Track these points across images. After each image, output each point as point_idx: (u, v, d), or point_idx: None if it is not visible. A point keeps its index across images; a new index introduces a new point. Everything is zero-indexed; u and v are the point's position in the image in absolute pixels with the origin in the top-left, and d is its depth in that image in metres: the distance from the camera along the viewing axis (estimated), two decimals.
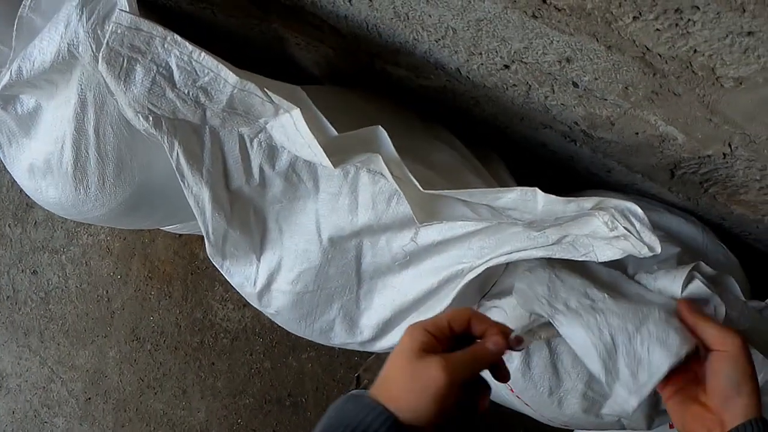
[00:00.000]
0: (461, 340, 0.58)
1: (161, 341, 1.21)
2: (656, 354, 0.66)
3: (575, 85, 0.71)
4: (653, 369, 0.66)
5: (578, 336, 0.69)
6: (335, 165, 0.71)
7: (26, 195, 1.17)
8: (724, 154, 0.73)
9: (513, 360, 0.85)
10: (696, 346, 0.69)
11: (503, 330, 0.59)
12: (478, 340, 0.58)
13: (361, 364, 1.21)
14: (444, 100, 0.85)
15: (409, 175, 0.71)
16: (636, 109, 0.71)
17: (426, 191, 0.70)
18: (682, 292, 0.76)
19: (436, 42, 0.74)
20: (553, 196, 0.68)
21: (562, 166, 0.92)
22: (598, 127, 0.77)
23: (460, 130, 0.89)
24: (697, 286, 0.76)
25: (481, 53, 0.73)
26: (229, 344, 1.21)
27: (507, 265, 0.86)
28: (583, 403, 0.88)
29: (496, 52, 0.71)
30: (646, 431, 0.90)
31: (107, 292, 1.20)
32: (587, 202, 0.68)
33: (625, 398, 0.66)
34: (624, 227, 0.67)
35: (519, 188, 0.69)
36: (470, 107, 0.84)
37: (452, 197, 0.72)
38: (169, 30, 0.72)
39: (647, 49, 0.60)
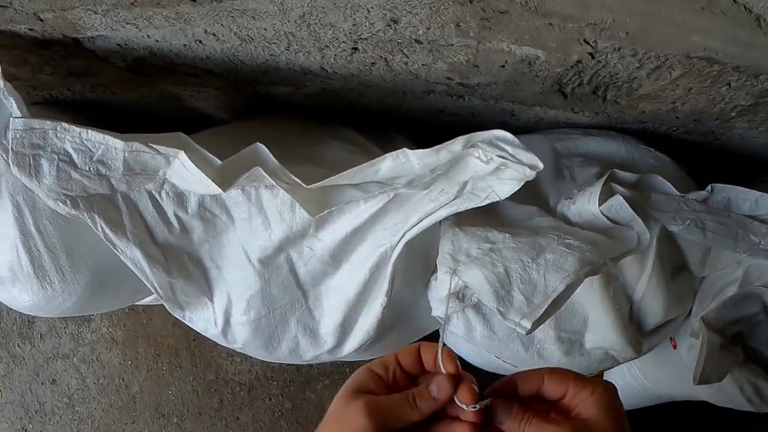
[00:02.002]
0: None
1: (184, 411, 1.26)
2: (552, 278, 0.65)
3: (418, 42, 0.73)
4: (549, 291, 0.65)
5: (476, 278, 0.68)
6: (224, 189, 0.74)
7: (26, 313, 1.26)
8: (590, 54, 0.72)
9: (476, 328, 0.84)
10: (600, 267, 0.67)
11: (458, 374, 0.49)
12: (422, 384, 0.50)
13: None
14: (331, 101, 0.87)
15: (292, 177, 0.74)
16: (483, 42, 0.71)
17: (310, 186, 0.73)
18: (600, 207, 0.74)
19: (288, 50, 0.78)
20: (422, 150, 0.69)
21: (469, 126, 0.93)
22: (468, 75, 0.78)
23: (362, 123, 0.91)
24: (618, 203, 0.74)
25: (327, 46, 0.76)
26: (247, 395, 1.25)
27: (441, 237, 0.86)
28: (561, 346, 0.85)
29: (337, 38, 0.74)
30: (637, 357, 0.86)
31: (123, 379, 1.27)
32: (456, 144, 0.69)
33: (518, 322, 0.64)
34: (497, 155, 0.67)
35: (390, 154, 0.70)
36: (357, 99, 0.86)
37: (337, 184, 0.74)
38: (57, 120, 0.79)
39: None
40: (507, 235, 0.71)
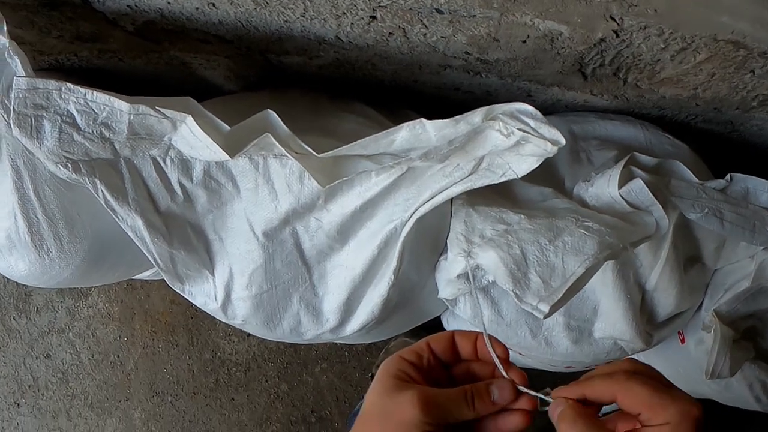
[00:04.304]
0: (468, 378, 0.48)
1: (179, 390, 1.24)
2: (570, 261, 0.63)
3: (439, 11, 0.71)
4: (567, 274, 0.63)
5: (491, 259, 0.66)
6: (231, 156, 0.72)
7: (23, 285, 1.24)
8: (615, 32, 0.70)
9: (483, 312, 0.82)
10: (620, 251, 0.65)
11: (513, 371, 0.46)
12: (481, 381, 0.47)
13: (374, 363, 1.19)
14: (345, 73, 0.85)
15: (304, 145, 0.71)
16: (506, 15, 0.69)
17: (321, 155, 0.70)
18: (619, 191, 0.72)
19: (303, 17, 0.76)
20: (441, 121, 0.67)
21: (484, 105, 0.91)
22: (487, 49, 0.76)
23: (374, 99, 0.89)
24: (638, 187, 0.72)
25: (345, 13, 0.74)
26: (243, 376, 1.22)
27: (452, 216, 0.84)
28: (570, 334, 0.83)
29: (355, 5, 0.72)
30: (646, 349, 0.85)
31: (119, 356, 1.24)
32: (476, 116, 0.66)
33: (535, 305, 0.62)
34: (518, 129, 0.65)
35: (406, 124, 0.68)
36: (371, 72, 0.84)
37: (349, 155, 0.72)
38: (62, 81, 0.77)
39: None
40: (523, 216, 0.69)
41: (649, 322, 0.87)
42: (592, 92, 0.82)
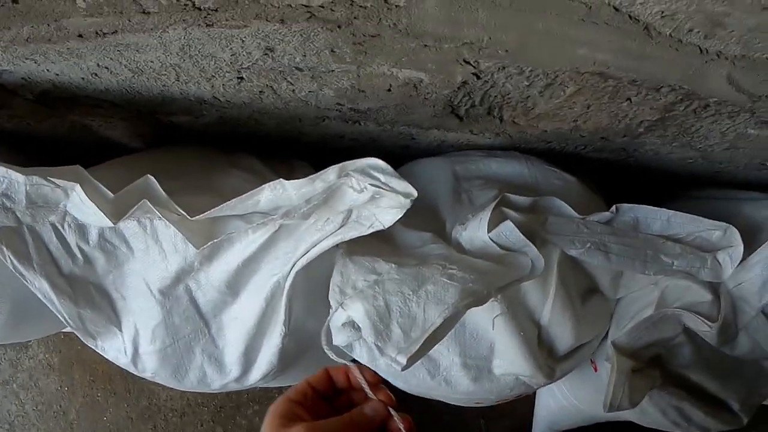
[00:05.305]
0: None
1: None
2: (431, 310, 0.64)
3: (299, 69, 0.72)
4: (426, 324, 0.63)
5: (359, 312, 0.67)
6: (114, 222, 0.74)
7: None
8: (475, 74, 0.71)
9: (378, 357, 0.82)
10: (484, 297, 0.66)
11: (380, 389, 0.54)
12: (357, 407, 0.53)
13: None
14: (230, 129, 0.87)
15: (178, 209, 0.73)
16: (363, 67, 0.71)
17: (194, 218, 0.72)
18: (489, 234, 0.73)
19: (178, 81, 0.78)
20: (298, 180, 0.69)
21: (371, 151, 0.92)
22: (356, 100, 0.77)
23: (265, 150, 0.90)
24: (508, 229, 0.73)
25: (214, 76, 0.76)
26: (180, 421, 1.24)
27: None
28: (468, 373, 0.83)
29: (220, 68, 0.74)
30: (551, 383, 0.85)
31: (60, 406, 1.26)
32: (330, 174, 0.68)
33: (394, 357, 0.63)
34: (371, 184, 0.66)
35: (267, 185, 0.69)
36: (255, 127, 0.86)
37: (221, 215, 0.73)
38: None
39: (307, 6, 0.61)
40: (393, 265, 0.70)
41: (550, 355, 0.87)
42: (472, 132, 0.83)
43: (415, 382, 0.85)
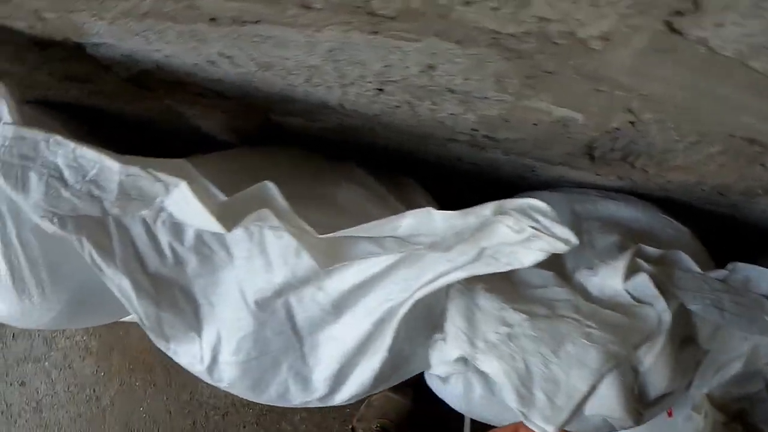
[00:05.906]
0: None
1: (155, 430, 1.20)
2: (574, 374, 0.62)
3: (451, 91, 0.68)
4: (571, 391, 0.61)
5: (495, 369, 0.65)
6: (227, 229, 0.69)
7: None
8: (631, 122, 0.68)
9: (475, 389, 0.81)
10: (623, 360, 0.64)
11: None
12: None
13: (353, 415, 1.17)
14: (346, 138, 0.83)
15: (303, 223, 0.69)
16: (521, 100, 0.67)
17: (322, 236, 0.68)
18: (624, 284, 0.71)
19: (307, 82, 0.73)
20: (450, 212, 0.65)
21: (487, 177, 0.89)
22: (496, 128, 0.74)
23: (374, 164, 0.86)
24: (642, 282, 0.71)
25: (351, 83, 0.71)
26: (221, 421, 1.20)
27: (448, 294, 0.82)
28: None
29: (363, 77, 0.69)
30: (637, 426, 0.84)
31: (94, 390, 1.21)
32: (486, 209, 0.64)
33: (542, 426, 0.61)
34: (530, 226, 0.63)
35: (412, 212, 0.66)
36: (373, 139, 0.81)
37: (352, 236, 0.69)
38: (51, 132, 0.73)
39: (496, 32, 0.57)
40: (524, 315, 0.68)
41: (639, 400, 0.86)
42: (598, 173, 0.80)
43: (507, 416, 0.83)
